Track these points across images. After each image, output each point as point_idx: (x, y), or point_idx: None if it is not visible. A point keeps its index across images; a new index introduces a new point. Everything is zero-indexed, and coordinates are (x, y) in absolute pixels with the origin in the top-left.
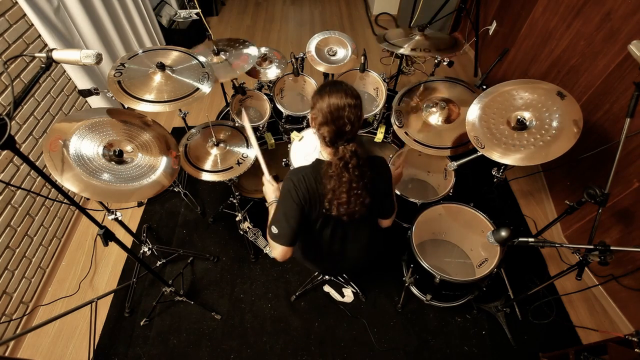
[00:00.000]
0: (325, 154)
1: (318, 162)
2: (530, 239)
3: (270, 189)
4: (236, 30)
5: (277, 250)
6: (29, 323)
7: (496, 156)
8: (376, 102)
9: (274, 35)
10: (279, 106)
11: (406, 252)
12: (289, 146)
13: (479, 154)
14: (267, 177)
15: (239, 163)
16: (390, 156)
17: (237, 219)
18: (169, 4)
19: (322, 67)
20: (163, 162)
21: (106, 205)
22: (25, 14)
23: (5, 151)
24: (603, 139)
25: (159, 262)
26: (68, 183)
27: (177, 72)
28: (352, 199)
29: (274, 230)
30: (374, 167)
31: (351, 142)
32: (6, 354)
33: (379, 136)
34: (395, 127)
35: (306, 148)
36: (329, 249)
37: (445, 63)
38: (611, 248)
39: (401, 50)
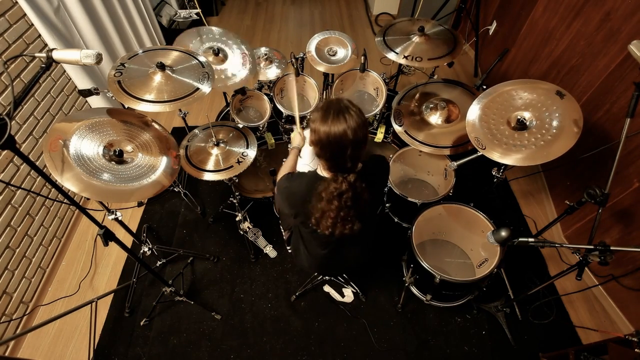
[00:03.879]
0: (323, 172)
1: (314, 177)
2: (530, 239)
3: (298, 138)
4: (236, 31)
5: (286, 235)
6: (29, 323)
7: (496, 156)
8: (376, 102)
9: (274, 35)
10: (279, 106)
11: (406, 252)
12: (289, 146)
13: (479, 154)
14: (297, 129)
15: (238, 162)
16: (391, 156)
17: (237, 219)
18: (169, 4)
19: (322, 67)
20: (163, 162)
21: (106, 205)
22: (25, 14)
23: (5, 151)
24: (603, 139)
25: (159, 262)
26: (68, 183)
27: (177, 72)
28: (337, 224)
29: (278, 180)
30: (376, 177)
31: (352, 173)
32: (6, 354)
33: (379, 136)
34: (395, 127)
35: (306, 148)
36: (325, 254)
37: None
38: (611, 248)
39: (398, 60)
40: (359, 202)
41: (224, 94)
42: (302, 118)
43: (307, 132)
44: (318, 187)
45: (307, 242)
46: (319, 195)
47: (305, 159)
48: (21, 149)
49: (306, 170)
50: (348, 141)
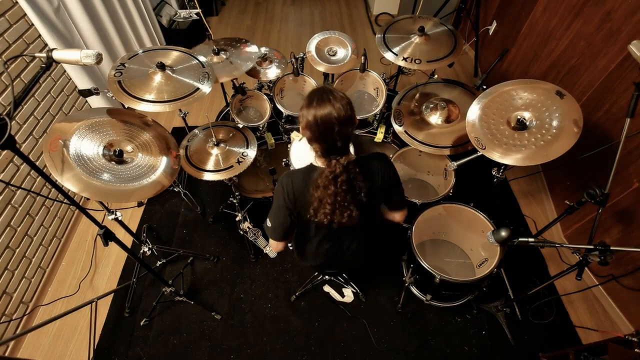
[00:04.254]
0: (318, 162)
1: (311, 168)
2: (530, 239)
3: None
4: (236, 30)
5: (272, 244)
6: (29, 323)
7: (496, 156)
8: (376, 102)
9: (274, 35)
10: (279, 106)
11: (406, 252)
12: (289, 146)
13: (479, 154)
14: None
15: (238, 162)
16: (391, 156)
17: (237, 219)
18: (169, 4)
19: (322, 67)
20: (163, 162)
21: (106, 205)
22: (25, 14)
23: (6, 151)
24: (603, 139)
25: (159, 262)
26: (68, 183)
27: (177, 72)
28: (336, 210)
29: (268, 223)
30: (370, 167)
31: (344, 155)
32: (6, 354)
33: (379, 136)
34: (395, 127)
35: (306, 148)
36: (325, 251)
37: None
38: (611, 248)
39: (397, 62)
40: (353, 187)
41: (224, 93)
42: None
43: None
44: (314, 175)
45: (308, 239)
46: (315, 183)
47: (307, 149)
48: (21, 149)
49: None
50: (334, 118)
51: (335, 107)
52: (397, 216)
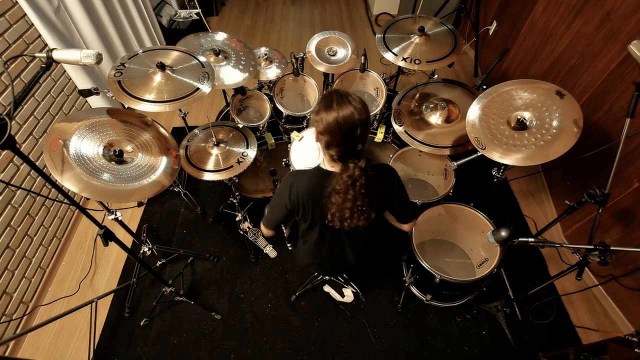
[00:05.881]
0: (328, 166)
1: (319, 172)
2: (530, 239)
3: None
4: (236, 31)
5: (262, 228)
6: (29, 323)
7: (496, 156)
8: (376, 102)
9: (274, 35)
10: (279, 106)
11: (406, 252)
12: (289, 146)
13: (479, 154)
14: None
15: (238, 162)
16: (391, 156)
17: (237, 219)
18: (169, 4)
19: (322, 67)
20: (163, 162)
21: (106, 205)
22: (25, 14)
23: (6, 151)
24: (603, 139)
25: (159, 262)
26: (68, 183)
27: (177, 72)
28: (355, 214)
29: (266, 212)
30: (380, 176)
31: (360, 158)
32: (6, 354)
33: (379, 136)
34: (395, 127)
35: (306, 148)
36: (326, 252)
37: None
38: (611, 248)
39: (397, 62)
40: (371, 190)
41: (224, 93)
42: (302, 118)
43: (305, 132)
44: (330, 182)
45: (307, 240)
46: (333, 189)
47: (307, 149)
48: (21, 149)
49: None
50: (357, 121)
51: (356, 108)
52: (406, 227)
